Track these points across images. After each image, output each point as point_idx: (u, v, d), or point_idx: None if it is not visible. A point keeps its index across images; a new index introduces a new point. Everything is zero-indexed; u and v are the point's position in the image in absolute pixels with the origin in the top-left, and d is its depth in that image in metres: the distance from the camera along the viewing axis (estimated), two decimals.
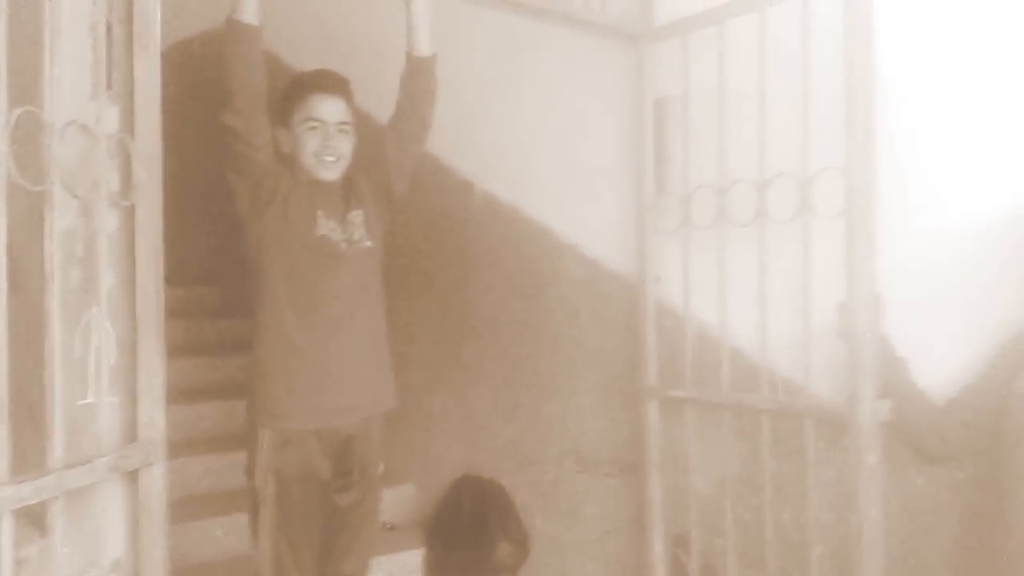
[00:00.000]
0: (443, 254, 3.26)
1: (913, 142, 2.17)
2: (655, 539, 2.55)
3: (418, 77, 2.23)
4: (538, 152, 2.99)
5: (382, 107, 2.33)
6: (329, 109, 2.16)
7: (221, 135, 2.05)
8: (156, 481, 1.54)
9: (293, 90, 2.19)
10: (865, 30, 2.08)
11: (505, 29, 2.92)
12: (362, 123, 2.26)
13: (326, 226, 2.16)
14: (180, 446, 3.05)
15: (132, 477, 1.53)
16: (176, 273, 4.03)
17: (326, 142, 2.15)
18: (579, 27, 2.48)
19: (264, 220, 2.11)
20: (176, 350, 3.61)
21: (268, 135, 2.10)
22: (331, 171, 2.18)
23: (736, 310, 2.35)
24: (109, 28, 1.58)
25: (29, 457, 1.44)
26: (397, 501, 3.20)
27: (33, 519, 1.49)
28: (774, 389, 2.29)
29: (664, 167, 2.56)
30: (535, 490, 2.96)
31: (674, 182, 2.52)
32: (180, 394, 3.34)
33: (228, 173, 2.11)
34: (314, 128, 2.15)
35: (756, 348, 2.31)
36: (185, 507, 2.82)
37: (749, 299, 2.30)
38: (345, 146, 2.19)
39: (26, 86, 1.47)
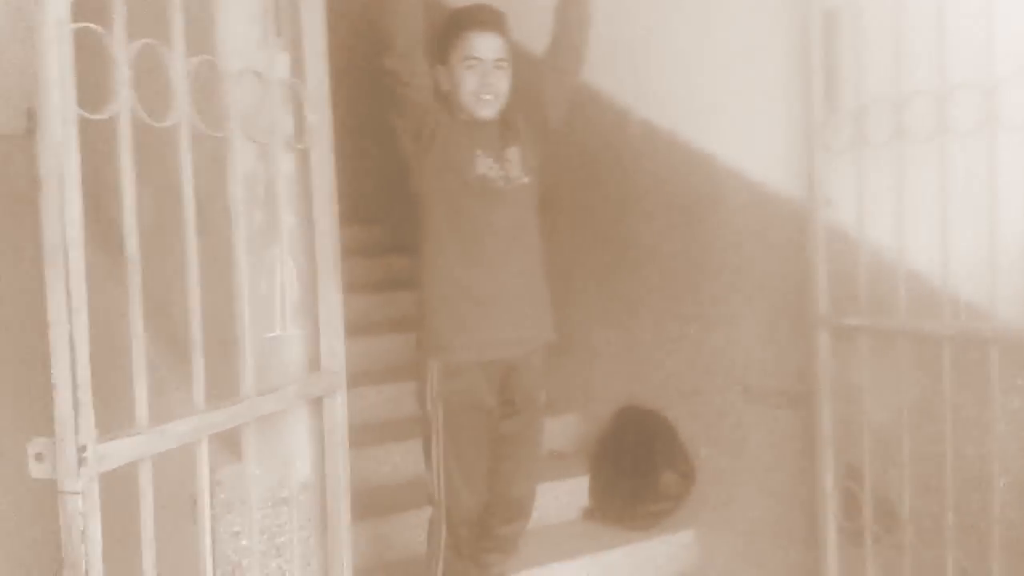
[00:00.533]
0: (601, 186, 3.24)
1: None
2: (826, 471, 2.48)
3: (573, 6, 2.21)
4: (697, 74, 2.89)
5: (537, 40, 2.32)
6: (486, 46, 2.17)
7: (382, 79, 2.11)
8: (339, 408, 1.64)
9: (450, 28, 2.21)
10: None
11: None
12: (518, 57, 2.26)
13: (484, 164, 2.19)
14: (358, 376, 3.22)
15: (317, 404, 1.64)
16: (351, 213, 4.22)
17: (484, 80, 2.17)
18: None
19: (426, 159, 2.17)
20: (353, 286, 3.81)
21: (428, 76, 2.14)
22: (489, 109, 2.20)
23: (915, 232, 2.22)
24: None
25: (222, 390, 1.56)
26: (562, 430, 3.26)
27: (228, 444, 1.62)
28: (956, 315, 2.17)
29: (835, 81, 2.42)
30: (700, 421, 2.94)
31: (846, 97, 2.39)
32: (358, 328, 3.52)
33: (391, 115, 2.17)
34: (472, 66, 2.17)
35: (936, 272, 2.18)
36: (364, 433, 2.97)
37: (929, 220, 2.17)
38: (503, 83, 2.20)
39: (199, 37, 1.56)
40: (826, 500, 2.49)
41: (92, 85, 1.38)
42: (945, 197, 2.13)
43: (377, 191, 4.17)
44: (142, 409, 1.22)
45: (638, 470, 3.02)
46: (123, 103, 1.21)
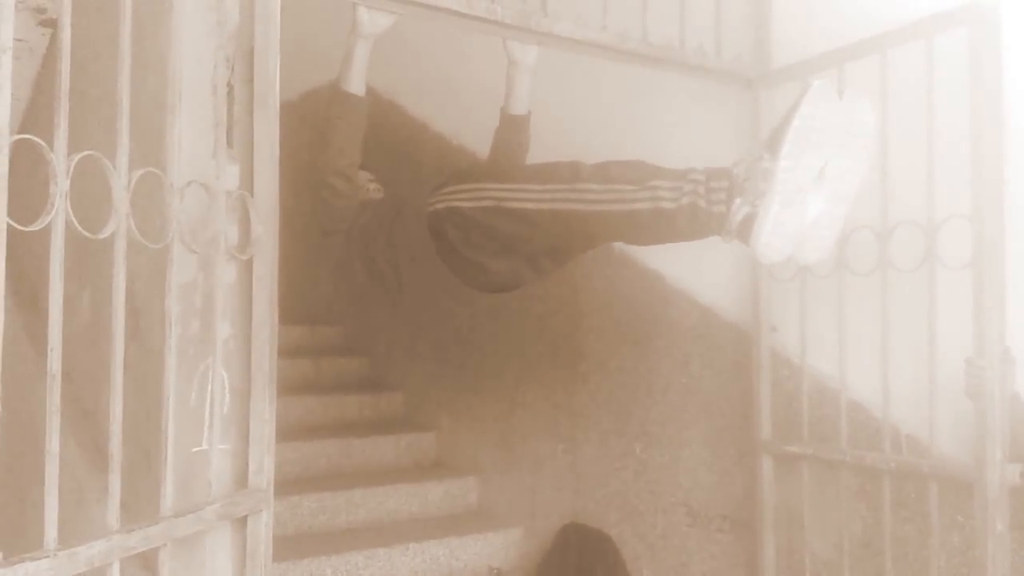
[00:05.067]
0: (555, 299, 3.26)
1: None
2: None
3: (512, 133, 2.32)
4: None
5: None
6: None
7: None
8: (263, 527, 1.58)
9: None
10: (992, 70, 1.98)
11: (620, 76, 2.91)
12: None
13: None
14: (295, 483, 3.14)
15: (240, 523, 1.58)
16: (301, 314, 4.17)
17: None
18: (694, 72, 2.44)
19: None
20: (298, 388, 3.74)
21: (358, 189, 2.31)
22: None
23: (856, 363, 2.25)
24: (231, 89, 1.66)
25: (144, 501, 1.50)
26: (504, 545, 3.18)
27: (145, 563, 1.55)
28: (897, 447, 2.18)
29: None
30: (643, 542, 2.89)
31: None
32: (299, 431, 3.45)
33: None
34: None
35: (877, 403, 2.20)
36: (298, 544, 2.88)
37: (870, 352, 2.20)
38: None
39: (151, 148, 1.56)
40: None
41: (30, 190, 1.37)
42: (886, 330, 2.16)
43: (329, 293, 4.16)
44: (51, 531, 1.17)
45: None
46: (58, 215, 1.20)
